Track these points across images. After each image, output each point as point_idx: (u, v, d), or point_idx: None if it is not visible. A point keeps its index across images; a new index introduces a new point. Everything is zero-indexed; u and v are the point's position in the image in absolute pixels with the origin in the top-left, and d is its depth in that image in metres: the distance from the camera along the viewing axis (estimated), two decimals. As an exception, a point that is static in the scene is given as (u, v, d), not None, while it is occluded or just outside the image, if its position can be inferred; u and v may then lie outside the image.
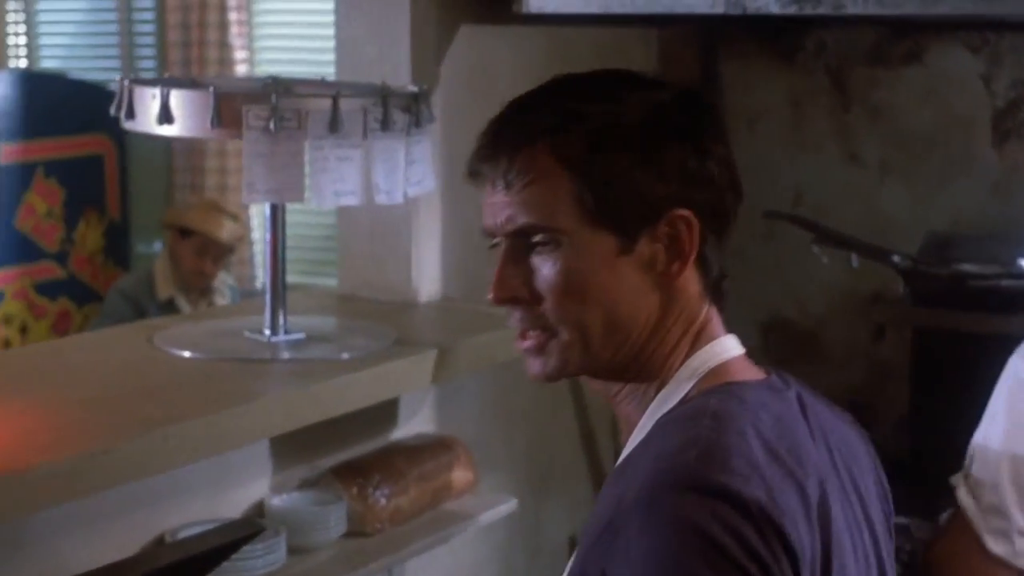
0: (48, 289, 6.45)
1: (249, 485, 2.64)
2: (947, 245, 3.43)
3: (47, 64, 7.19)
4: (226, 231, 5.63)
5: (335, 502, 2.65)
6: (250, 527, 2.22)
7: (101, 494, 2.22)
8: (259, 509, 2.64)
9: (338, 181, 2.52)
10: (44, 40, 7.22)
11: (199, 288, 5.68)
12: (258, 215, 6.34)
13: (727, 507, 1.39)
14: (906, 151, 3.72)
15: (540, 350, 1.60)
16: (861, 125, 3.76)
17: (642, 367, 1.60)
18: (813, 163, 3.81)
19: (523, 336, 1.61)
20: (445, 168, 3.03)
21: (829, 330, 3.83)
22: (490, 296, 1.61)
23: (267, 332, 2.72)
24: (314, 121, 2.49)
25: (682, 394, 1.57)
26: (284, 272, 2.73)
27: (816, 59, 3.79)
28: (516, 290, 1.59)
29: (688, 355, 1.60)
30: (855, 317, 3.75)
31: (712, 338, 1.61)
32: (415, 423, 3.00)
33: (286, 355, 2.67)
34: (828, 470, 1.55)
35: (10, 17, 7.18)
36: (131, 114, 2.56)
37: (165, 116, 2.51)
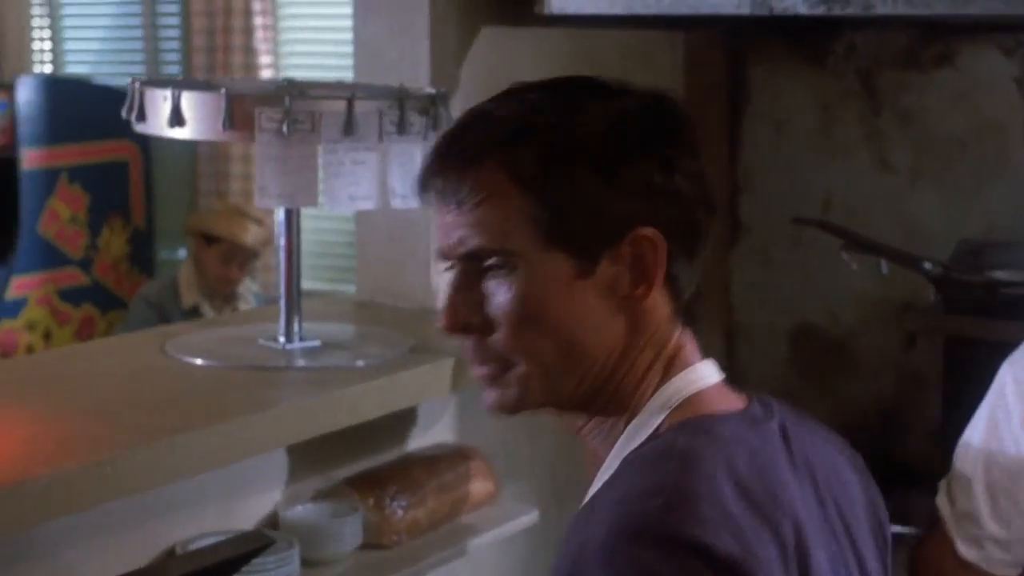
0: (72, 295, 6.44)
1: (263, 496, 2.61)
2: (980, 252, 3.39)
3: (72, 70, 7.19)
4: (251, 235, 5.60)
5: (351, 513, 2.62)
6: (260, 539, 2.21)
7: (111, 504, 2.18)
8: (273, 520, 2.61)
9: (353, 185, 2.49)
10: (69, 46, 7.23)
11: (224, 295, 5.67)
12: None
13: (698, 563, 1.29)
14: (938, 156, 3.68)
15: (496, 381, 1.50)
16: (892, 129, 3.72)
17: (609, 399, 1.49)
18: (843, 168, 3.77)
19: (478, 366, 1.51)
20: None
21: (859, 339, 3.78)
22: (440, 324, 1.51)
23: (282, 339, 2.69)
24: (328, 124, 2.46)
25: (652, 428, 1.46)
26: (299, 278, 2.70)
27: (846, 62, 3.75)
28: (468, 318, 1.48)
29: (659, 385, 1.49)
30: (885, 325, 3.71)
31: (685, 365, 1.50)
32: (433, 433, 2.96)
33: (301, 363, 2.64)
34: (810, 507, 1.46)
35: (36, 23, 7.19)
36: (142, 116, 2.54)
37: (176, 118, 2.48)
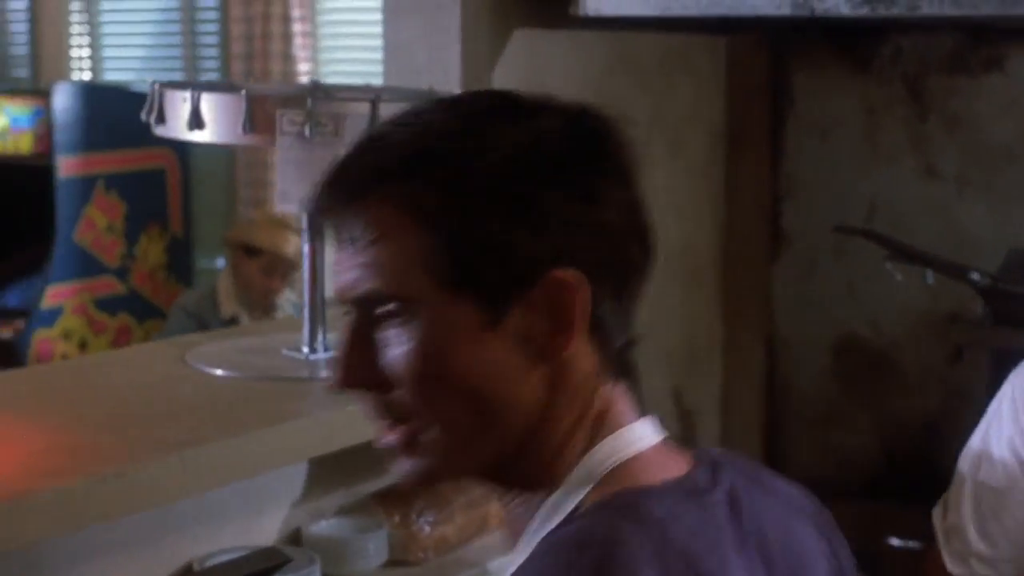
0: (108, 304, 6.43)
1: (284, 511, 2.55)
2: (1030, 263, 3.35)
3: (111, 77, 7.20)
4: (292, 246, 5.57)
5: (375, 529, 2.56)
6: (278, 556, 2.20)
7: (126, 519, 2.13)
8: (295, 536, 2.55)
9: (376, 189, 2.42)
10: (108, 52, 7.24)
11: (264, 305, 5.63)
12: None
13: None
14: (986, 164, 3.64)
15: (406, 449, 1.30)
16: (939, 136, 3.68)
17: (530, 468, 1.29)
18: (888, 176, 3.74)
19: (385, 430, 1.32)
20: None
21: (903, 351, 3.73)
22: (332, 381, 1.33)
23: (305, 350, 2.63)
24: (351, 127, 2.40)
25: (572, 505, 1.26)
26: (324, 287, 2.63)
27: (892, 67, 3.70)
28: (364, 372, 1.29)
29: (585, 451, 1.28)
30: (931, 338, 3.66)
31: (616, 427, 1.30)
32: (463, 447, 2.89)
33: (325, 374, 2.57)
34: None
35: (74, 30, 7.20)
36: (161, 119, 2.48)
37: (196, 121, 2.42)
